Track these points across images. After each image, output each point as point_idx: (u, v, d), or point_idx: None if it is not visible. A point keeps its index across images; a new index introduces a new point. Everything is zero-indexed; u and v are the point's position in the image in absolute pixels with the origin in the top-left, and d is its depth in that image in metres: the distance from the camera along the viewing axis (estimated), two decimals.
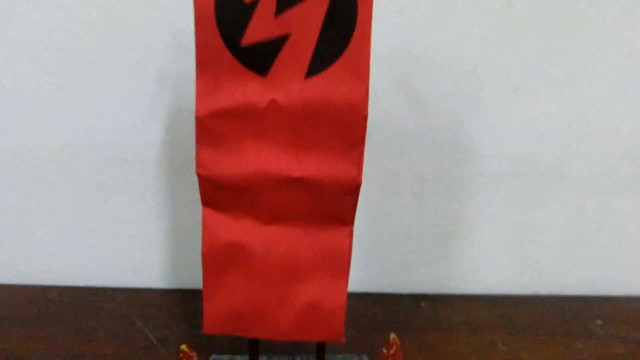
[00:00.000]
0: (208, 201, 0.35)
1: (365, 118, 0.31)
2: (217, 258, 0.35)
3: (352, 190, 0.33)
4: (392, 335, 0.34)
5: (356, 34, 0.29)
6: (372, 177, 0.54)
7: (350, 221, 0.35)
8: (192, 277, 0.55)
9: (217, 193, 0.34)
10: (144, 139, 0.53)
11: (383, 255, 0.58)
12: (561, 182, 0.55)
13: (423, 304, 0.55)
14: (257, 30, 0.30)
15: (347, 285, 0.35)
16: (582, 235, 0.57)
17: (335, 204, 0.34)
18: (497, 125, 0.53)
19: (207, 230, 0.35)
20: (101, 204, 0.55)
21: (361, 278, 0.58)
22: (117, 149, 0.53)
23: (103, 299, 0.54)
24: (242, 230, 0.35)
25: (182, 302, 0.54)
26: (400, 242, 0.57)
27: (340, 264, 0.35)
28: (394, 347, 0.34)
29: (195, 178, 0.34)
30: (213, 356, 0.43)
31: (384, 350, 0.35)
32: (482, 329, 0.50)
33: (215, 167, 0.33)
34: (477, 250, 0.58)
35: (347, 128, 0.31)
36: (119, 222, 0.56)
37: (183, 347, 0.32)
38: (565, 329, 0.51)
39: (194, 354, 0.32)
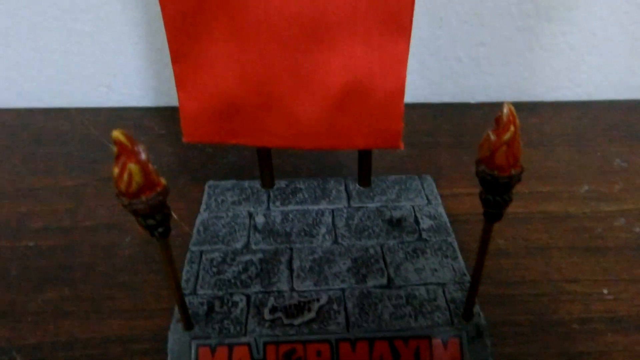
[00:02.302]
0: None
1: None
2: (187, 9, 0.25)
3: None
4: (507, 108, 0.20)
5: None
6: None
7: None
8: None
9: None
10: None
11: (445, 50, 0.48)
12: None
13: None
14: None
15: (407, 51, 0.26)
16: None
17: None
18: None
19: None
20: None
21: (415, 83, 0.50)
22: None
23: (66, 122, 0.46)
24: None
25: (169, 121, 0.46)
26: (469, 29, 0.47)
27: (398, 13, 0.25)
28: (511, 127, 0.20)
29: None
30: (210, 182, 0.37)
31: (491, 136, 0.21)
32: (587, 142, 0.44)
33: None
34: (579, 39, 0.48)
35: None
36: (78, 17, 0.45)
37: (116, 133, 0.20)
38: None
39: (139, 147, 0.21)
